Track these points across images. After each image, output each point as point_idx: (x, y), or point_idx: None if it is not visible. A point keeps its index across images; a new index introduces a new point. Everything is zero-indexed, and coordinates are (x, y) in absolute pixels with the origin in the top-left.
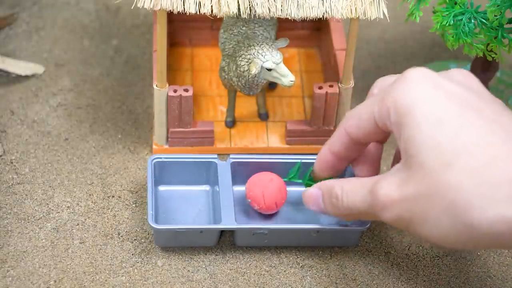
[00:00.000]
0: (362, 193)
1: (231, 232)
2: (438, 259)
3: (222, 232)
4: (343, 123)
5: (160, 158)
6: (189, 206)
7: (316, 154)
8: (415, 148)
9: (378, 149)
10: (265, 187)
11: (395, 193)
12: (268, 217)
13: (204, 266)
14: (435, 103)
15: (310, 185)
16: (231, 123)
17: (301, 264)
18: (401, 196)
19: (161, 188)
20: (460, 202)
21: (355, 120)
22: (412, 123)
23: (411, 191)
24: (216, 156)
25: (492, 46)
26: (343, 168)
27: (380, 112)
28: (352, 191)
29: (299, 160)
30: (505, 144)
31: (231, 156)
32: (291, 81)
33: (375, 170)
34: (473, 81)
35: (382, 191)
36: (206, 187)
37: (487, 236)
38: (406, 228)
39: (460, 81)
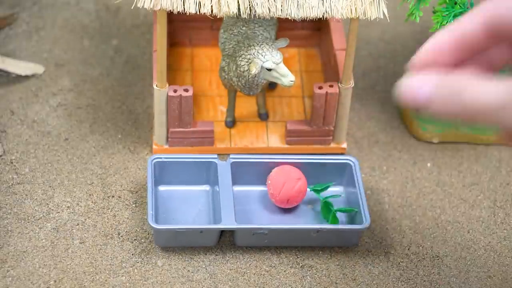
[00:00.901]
0: (496, 87)
1: (231, 232)
2: (438, 259)
3: (222, 232)
4: (491, 2)
5: (160, 158)
6: (189, 206)
7: (316, 154)
8: None
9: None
10: (289, 181)
11: None
12: (269, 217)
13: (204, 266)
14: None
15: (333, 220)
16: (231, 123)
17: (301, 264)
18: None
19: (161, 188)
20: None
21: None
22: None
23: None
24: (216, 156)
25: None
26: (457, 63)
27: None
28: (485, 84)
29: (339, 195)
30: None
31: (231, 156)
32: (291, 81)
33: None
34: None
35: None
36: (206, 187)
37: None
38: None
39: None
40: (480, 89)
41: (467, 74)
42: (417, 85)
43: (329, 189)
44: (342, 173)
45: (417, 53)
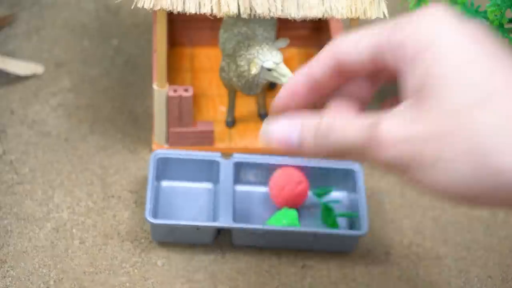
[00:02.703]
0: (358, 127)
1: (230, 231)
2: (438, 259)
3: (222, 231)
4: (333, 44)
5: (164, 153)
6: (191, 203)
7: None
8: (437, 83)
9: (366, 89)
10: (291, 183)
11: (400, 131)
12: (268, 218)
13: (204, 266)
14: (463, 39)
15: (332, 224)
16: (231, 123)
17: (301, 264)
18: (408, 134)
19: (164, 183)
20: (488, 145)
21: (349, 42)
22: (435, 57)
23: (423, 130)
24: (219, 154)
25: None
26: (312, 102)
27: (389, 42)
28: (346, 123)
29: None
30: None
31: (234, 155)
32: None
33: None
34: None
35: (385, 127)
36: (209, 185)
37: (510, 187)
38: (401, 173)
39: (481, 29)
40: (343, 130)
41: (332, 115)
42: (285, 131)
43: (332, 194)
44: (346, 178)
45: (275, 97)
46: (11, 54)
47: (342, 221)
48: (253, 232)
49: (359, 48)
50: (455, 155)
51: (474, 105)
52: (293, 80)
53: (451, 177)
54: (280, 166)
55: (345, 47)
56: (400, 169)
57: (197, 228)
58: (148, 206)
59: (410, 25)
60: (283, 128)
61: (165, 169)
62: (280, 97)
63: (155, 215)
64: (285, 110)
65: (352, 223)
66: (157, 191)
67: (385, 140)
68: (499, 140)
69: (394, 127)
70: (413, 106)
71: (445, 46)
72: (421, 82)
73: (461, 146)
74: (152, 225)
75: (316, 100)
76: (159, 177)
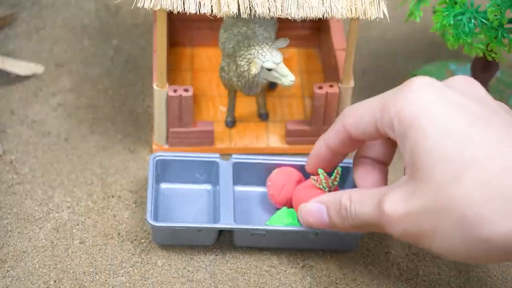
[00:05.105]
0: (370, 205)
1: (231, 232)
2: (438, 259)
3: (222, 232)
4: (342, 118)
5: (163, 155)
6: (191, 205)
7: None
8: (421, 161)
9: (385, 152)
10: (290, 183)
11: (401, 207)
12: (268, 218)
13: (204, 266)
14: (442, 114)
15: None
16: (231, 123)
17: (301, 264)
18: (407, 211)
19: (163, 186)
20: (471, 215)
21: (355, 118)
22: (417, 134)
23: (418, 206)
24: (218, 155)
25: (492, 46)
26: (337, 163)
27: (382, 120)
28: (361, 202)
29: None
30: None
31: (233, 156)
32: (291, 81)
33: (381, 180)
34: (478, 89)
35: (388, 205)
36: (208, 186)
37: (499, 250)
38: (414, 243)
39: (465, 89)
40: (358, 207)
41: (348, 193)
42: (317, 211)
43: None
44: (345, 177)
45: (307, 161)
46: (11, 54)
47: None
48: (254, 232)
49: (362, 125)
50: (447, 227)
51: (451, 178)
52: (316, 150)
53: (450, 246)
54: (278, 166)
55: (351, 123)
56: (411, 240)
57: (199, 230)
58: (149, 209)
59: (399, 101)
60: (314, 209)
61: (164, 171)
62: (309, 163)
63: (155, 218)
64: (316, 169)
65: None
66: (156, 193)
67: (390, 217)
68: (480, 210)
69: (396, 203)
70: (409, 181)
71: (425, 123)
72: (411, 158)
73: (450, 219)
74: (154, 228)
75: (340, 161)
76: (158, 179)
